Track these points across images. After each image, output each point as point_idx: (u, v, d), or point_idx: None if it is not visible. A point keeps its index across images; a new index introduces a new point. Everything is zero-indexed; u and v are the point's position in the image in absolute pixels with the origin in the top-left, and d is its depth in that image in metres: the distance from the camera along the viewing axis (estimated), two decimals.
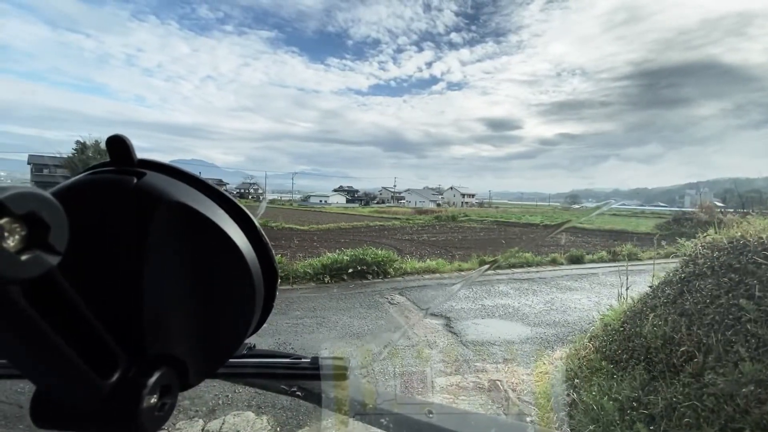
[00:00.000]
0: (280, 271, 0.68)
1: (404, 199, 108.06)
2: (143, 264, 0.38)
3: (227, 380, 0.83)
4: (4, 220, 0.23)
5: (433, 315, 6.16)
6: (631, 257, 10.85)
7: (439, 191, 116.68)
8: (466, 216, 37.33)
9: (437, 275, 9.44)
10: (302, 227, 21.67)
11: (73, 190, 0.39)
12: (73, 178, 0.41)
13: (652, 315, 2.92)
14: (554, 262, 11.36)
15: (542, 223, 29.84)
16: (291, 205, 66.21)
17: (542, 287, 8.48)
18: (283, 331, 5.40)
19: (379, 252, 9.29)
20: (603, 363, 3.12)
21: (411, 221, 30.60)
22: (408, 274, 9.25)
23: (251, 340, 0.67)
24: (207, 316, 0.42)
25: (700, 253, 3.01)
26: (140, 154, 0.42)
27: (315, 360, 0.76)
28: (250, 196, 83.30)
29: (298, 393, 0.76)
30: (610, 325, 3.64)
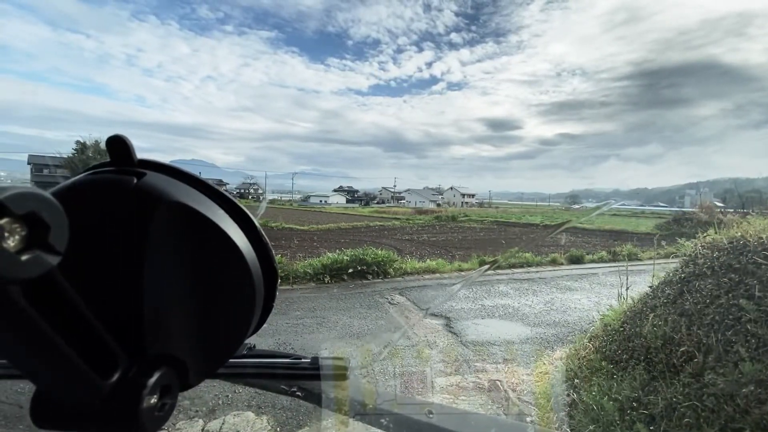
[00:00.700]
0: (280, 271, 0.68)
1: (404, 199, 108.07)
2: (143, 264, 0.38)
3: (227, 380, 0.83)
4: (4, 220, 0.23)
5: (433, 315, 6.16)
6: (631, 257, 10.85)
7: (439, 191, 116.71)
8: (466, 216, 37.33)
9: (437, 275, 9.44)
10: (302, 227, 21.67)
11: (73, 190, 0.39)
12: (73, 178, 0.41)
13: (652, 315, 2.92)
14: (554, 262, 11.36)
15: (542, 224, 29.86)
16: (291, 205, 66.21)
17: (542, 287, 8.48)
18: (283, 331, 5.40)
19: (379, 252, 9.29)
20: (603, 363, 3.12)
21: (411, 221, 30.61)
22: (408, 274, 9.25)
23: (251, 340, 0.67)
24: (207, 317, 0.42)
25: (700, 253, 3.01)
26: (140, 154, 0.42)
27: (315, 360, 0.76)
28: (250, 196, 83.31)
29: (298, 393, 0.75)
30: (610, 326, 3.64)
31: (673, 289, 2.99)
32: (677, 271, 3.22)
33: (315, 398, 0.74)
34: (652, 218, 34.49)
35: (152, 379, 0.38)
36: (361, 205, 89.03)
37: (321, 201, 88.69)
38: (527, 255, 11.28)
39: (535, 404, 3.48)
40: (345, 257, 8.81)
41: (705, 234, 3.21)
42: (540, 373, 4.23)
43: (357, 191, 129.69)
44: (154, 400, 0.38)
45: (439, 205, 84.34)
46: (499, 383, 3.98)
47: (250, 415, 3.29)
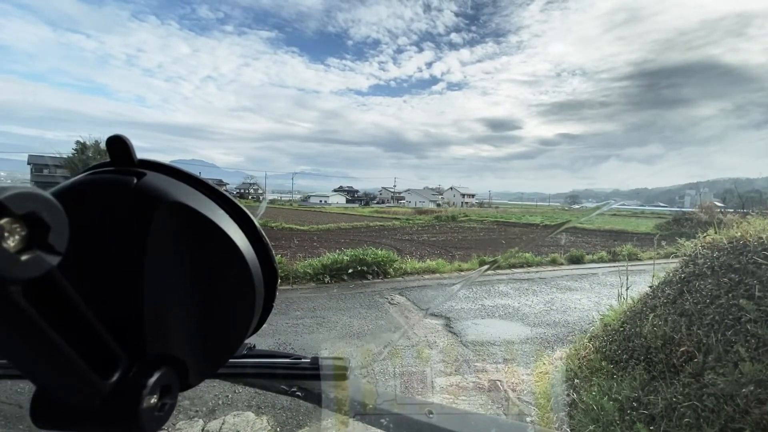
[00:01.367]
0: (280, 271, 0.68)
1: (404, 199, 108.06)
2: (143, 264, 0.38)
3: (227, 380, 0.83)
4: (4, 220, 0.23)
5: (433, 315, 6.16)
6: (631, 257, 10.85)
7: (439, 191, 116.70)
8: (466, 216, 37.34)
9: (437, 275, 9.44)
10: (302, 227, 21.68)
11: (74, 190, 0.39)
12: (73, 178, 0.41)
13: (652, 315, 2.92)
14: (554, 262, 11.36)
15: (542, 224, 29.85)
16: (291, 205, 66.20)
17: (542, 287, 8.48)
18: (283, 332, 5.40)
19: (379, 252, 9.28)
20: (603, 363, 3.12)
21: (411, 221, 30.61)
22: (408, 274, 9.25)
23: (251, 340, 0.67)
24: (207, 317, 0.42)
25: (700, 253, 3.01)
26: (140, 155, 0.42)
27: (315, 360, 0.76)
28: (250, 197, 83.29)
29: (298, 393, 0.76)
30: (610, 326, 3.64)
31: (673, 289, 2.99)
32: (677, 271, 3.22)
33: (315, 398, 0.74)
34: (652, 218, 34.49)
35: (152, 379, 0.38)
36: (361, 205, 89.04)
37: (321, 201, 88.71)
38: (527, 255, 11.27)
39: (535, 404, 3.48)
40: (345, 257, 8.81)
41: (705, 234, 3.21)
42: (540, 373, 4.23)
43: (357, 191, 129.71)
44: (154, 400, 0.38)
45: (439, 205, 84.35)
46: (499, 383, 3.98)
47: (250, 415, 3.29)
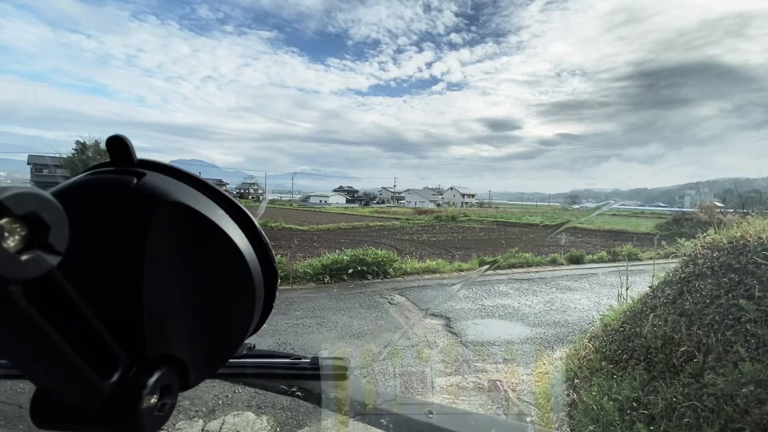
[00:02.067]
0: (280, 271, 0.68)
1: (404, 199, 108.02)
2: (143, 264, 0.38)
3: (227, 380, 0.83)
4: (4, 220, 0.23)
5: (433, 315, 6.15)
6: (631, 257, 10.84)
7: (439, 191, 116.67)
8: (466, 216, 37.32)
9: (437, 275, 9.43)
10: (302, 227, 21.66)
11: (73, 190, 0.39)
12: (73, 178, 0.41)
13: (651, 315, 2.92)
14: (554, 262, 11.36)
15: (542, 224, 29.85)
16: (291, 205, 66.20)
17: (542, 287, 8.48)
18: (283, 332, 5.40)
19: (379, 252, 9.28)
20: (603, 363, 3.12)
21: (411, 221, 30.59)
22: (408, 274, 9.24)
23: (251, 340, 0.67)
24: (207, 317, 0.42)
25: (700, 253, 3.01)
26: (140, 155, 0.42)
27: (315, 360, 0.76)
28: (250, 197, 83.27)
29: (298, 393, 0.76)
30: (610, 326, 3.64)
31: (673, 289, 2.99)
32: (677, 271, 3.22)
33: (315, 398, 0.74)
34: (652, 218, 34.49)
35: (152, 379, 0.38)
36: (361, 205, 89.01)
37: (321, 201, 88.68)
38: (527, 255, 11.27)
39: (534, 404, 3.48)
40: (345, 257, 8.80)
41: (705, 234, 3.20)
42: (540, 373, 4.23)
43: (357, 191, 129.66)
44: (154, 400, 0.38)
45: (439, 205, 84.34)
46: (499, 383, 3.98)
47: (250, 415, 3.29)
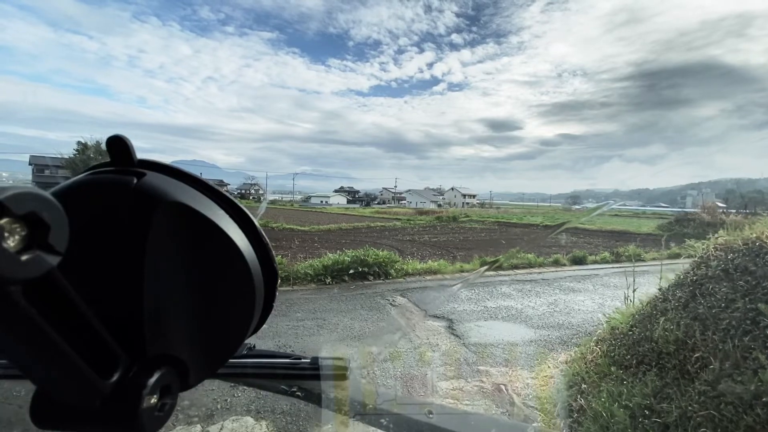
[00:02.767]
0: (280, 271, 0.65)
1: (405, 199, 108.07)
2: (143, 264, 0.38)
3: (227, 380, 0.84)
4: (4, 220, 0.23)
5: (435, 317, 6.08)
6: (636, 258, 10.77)
7: (440, 192, 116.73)
8: (467, 217, 37.28)
9: (439, 276, 9.36)
10: (303, 228, 21.63)
11: (74, 190, 0.40)
12: (73, 179, 0.41)
13: (663, 319, 2.84)
14: (557, 263, 11.29)
15: (542, 224, 29.82)
16: (292, 205, 66.24)
17: (545, 288, 8.40)
18: (284, 333, 5.33)
19: (381, 253, 9.21)
20: (611, 368, 3.03)
21: (412, 222, 30.55)
22: (409, 275, 9.17)
23: (251, 341, 0.68)
24: (207, 317, 0.43)
25: (712, 254, 2.93)
26: (141, 155, 0.42)
27: (315, 360, 0.77)
28: (250, 197, 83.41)
29: (298, 393, 0.76)
30: (618, 329, 3.55)
31: (685, 292, 2.90)
32: (688, 273, 3.13)
33: (315, 398, 0.75)
34: (653, 219, 34.39)
35: (152, 379, 0.38)
36: (362, 205, 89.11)
37: (322, 201, 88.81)
38: (530, 256, 11.21)
39: (540, 409, 3.41)
40: (346, 258, 8.74)
41: (717, 235, 3.12)
42: (544, 377, 4.16)
43: (358, 192, 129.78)
44: (154, 400, 0.39)
45: (440, 205, 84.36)
46: (502, 387, 3.91)
47: (249, 419, 3.22)
